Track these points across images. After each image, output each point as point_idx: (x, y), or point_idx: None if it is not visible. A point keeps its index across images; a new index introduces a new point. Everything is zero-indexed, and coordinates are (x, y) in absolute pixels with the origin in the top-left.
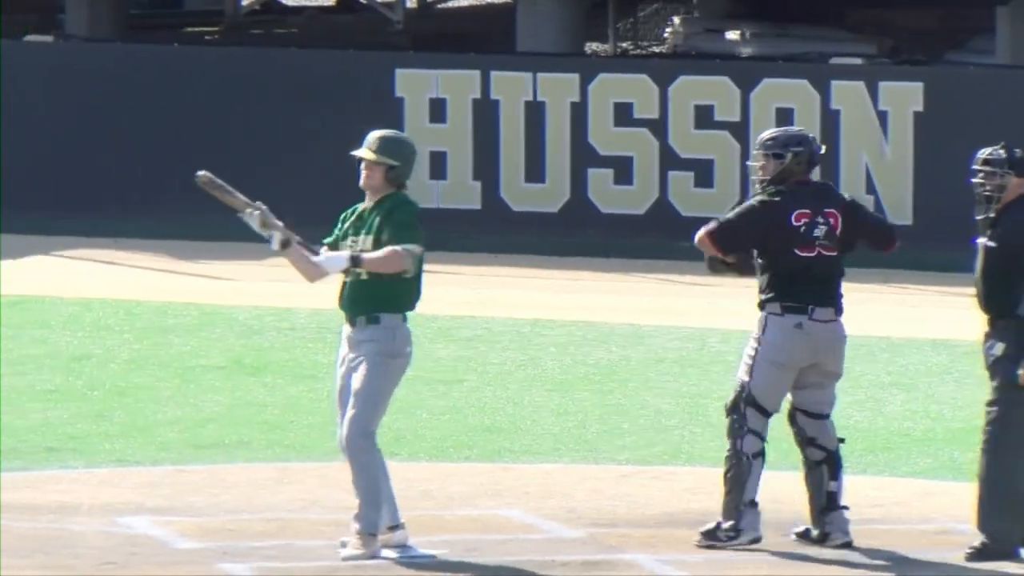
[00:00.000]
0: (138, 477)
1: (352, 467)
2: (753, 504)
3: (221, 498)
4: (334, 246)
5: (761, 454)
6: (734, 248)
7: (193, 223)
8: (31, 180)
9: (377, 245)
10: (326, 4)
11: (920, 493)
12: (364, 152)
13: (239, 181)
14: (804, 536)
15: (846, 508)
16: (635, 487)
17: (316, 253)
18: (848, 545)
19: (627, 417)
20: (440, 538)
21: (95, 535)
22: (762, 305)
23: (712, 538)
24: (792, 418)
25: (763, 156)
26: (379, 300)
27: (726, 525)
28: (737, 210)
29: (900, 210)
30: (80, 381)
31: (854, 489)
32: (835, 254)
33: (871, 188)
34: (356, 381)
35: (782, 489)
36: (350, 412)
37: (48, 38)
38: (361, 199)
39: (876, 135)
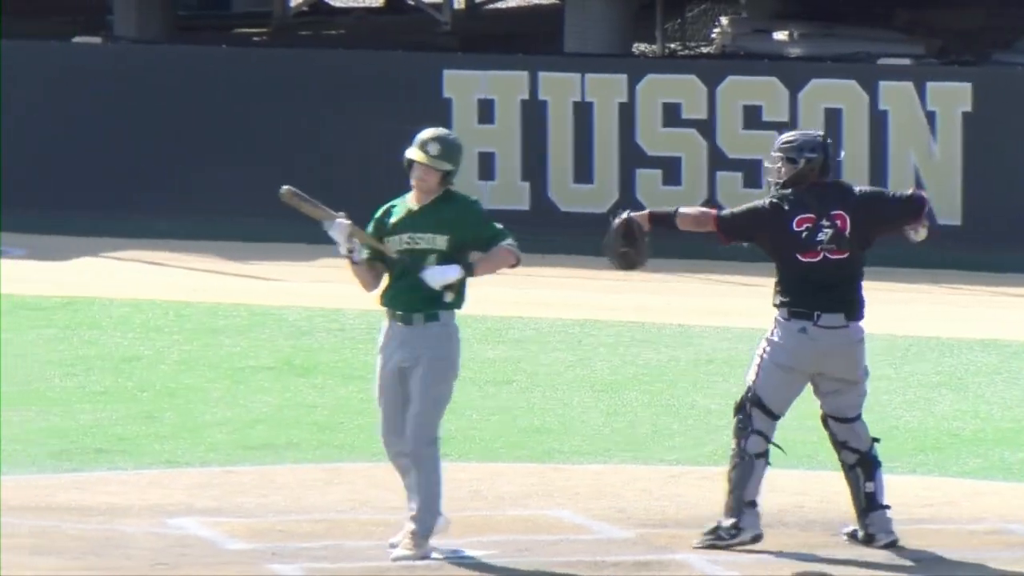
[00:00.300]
0: (187, 478)
1: (418, 473)
2: (752, 504)
3: (270, 499)
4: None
5: (764, 454)
6: (734, 236)
7: (243, 224)
8: (80, 182)
9: (457, 243)
10: (374, 5)
11: (970, 493)
12: (422, 157)
13: (289, 182)
14: (854, 536)
15: (887, 507)
16: (685, 487)
17: (417, 263)
18: (894, 544)
19: (676, 418)
20: (490, 538)
21: (145, 536)
22: (775, 307)
23: (715, 537)
24: (824, 422)
25: (778, 159)
26: (438, 297)
27: (727, 523)
28: (747, 205)
29: (949, 210)
30: (130, 382)
31: (903, 489)
32: (844, 256)
33: (919, 188)
34: (419, 386)
35: (831, 489)
36: (414, 421)
37: (96, 40)
38: (396, 197)
39: (924, 135)
